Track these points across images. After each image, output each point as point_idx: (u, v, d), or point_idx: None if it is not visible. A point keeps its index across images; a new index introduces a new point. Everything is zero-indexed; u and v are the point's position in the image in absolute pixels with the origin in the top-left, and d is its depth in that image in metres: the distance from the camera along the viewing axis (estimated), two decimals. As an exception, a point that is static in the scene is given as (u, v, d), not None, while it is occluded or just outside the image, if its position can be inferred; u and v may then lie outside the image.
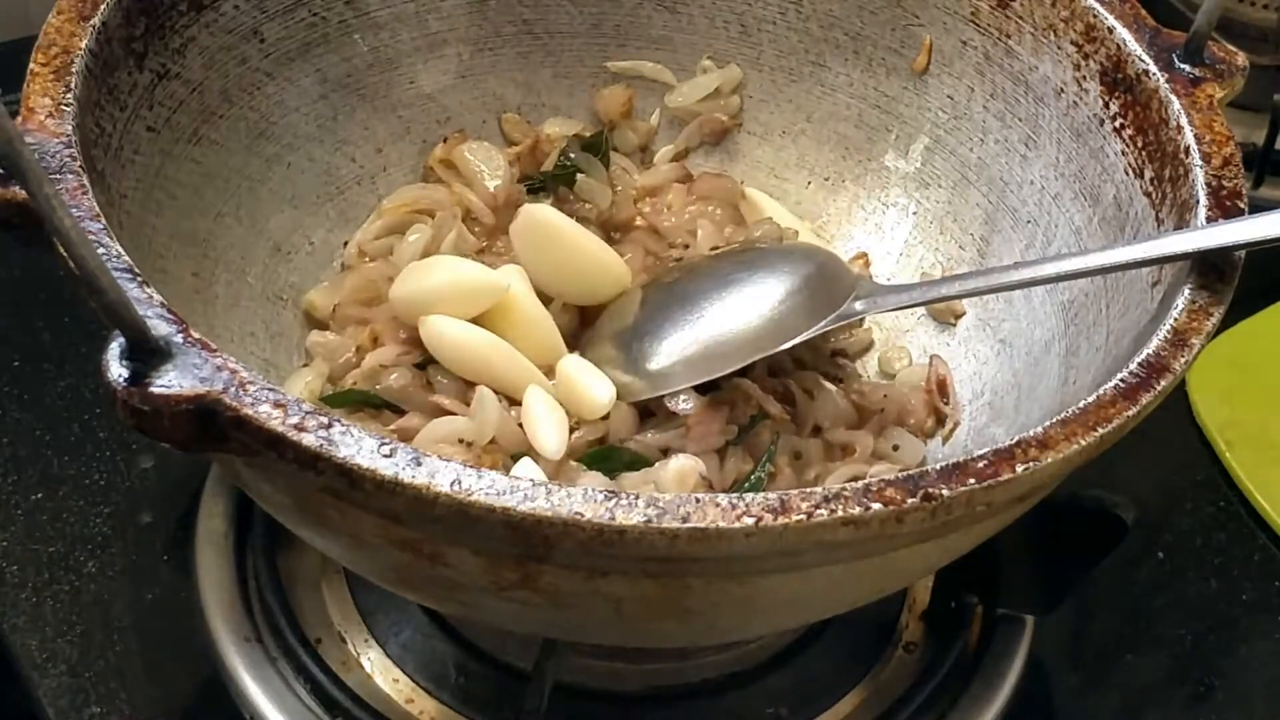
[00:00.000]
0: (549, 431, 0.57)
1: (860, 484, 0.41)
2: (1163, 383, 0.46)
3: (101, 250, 0.45)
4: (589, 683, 0.62)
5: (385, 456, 0.40)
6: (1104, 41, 0.60)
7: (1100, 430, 0.44)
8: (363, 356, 0.62)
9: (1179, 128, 0.56)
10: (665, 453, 0.58)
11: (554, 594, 0.45)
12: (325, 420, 0.41)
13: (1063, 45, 0.61)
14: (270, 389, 0.41)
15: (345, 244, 0.66)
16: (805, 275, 0.60)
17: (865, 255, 0.69)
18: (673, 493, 0.45)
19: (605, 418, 0.58)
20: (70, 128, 0.49)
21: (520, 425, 0.58)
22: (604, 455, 0.58)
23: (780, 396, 0.62)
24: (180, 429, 0.41)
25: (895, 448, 0.62)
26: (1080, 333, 0.58)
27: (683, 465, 0.56)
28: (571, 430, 0.58)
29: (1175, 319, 0.49)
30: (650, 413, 0.60)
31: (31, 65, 0.51)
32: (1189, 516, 0.73)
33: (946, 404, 0.63)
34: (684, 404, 0.58)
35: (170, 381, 0.41)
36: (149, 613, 0.64)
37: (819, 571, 0.45)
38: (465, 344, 0.59)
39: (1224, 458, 0.75)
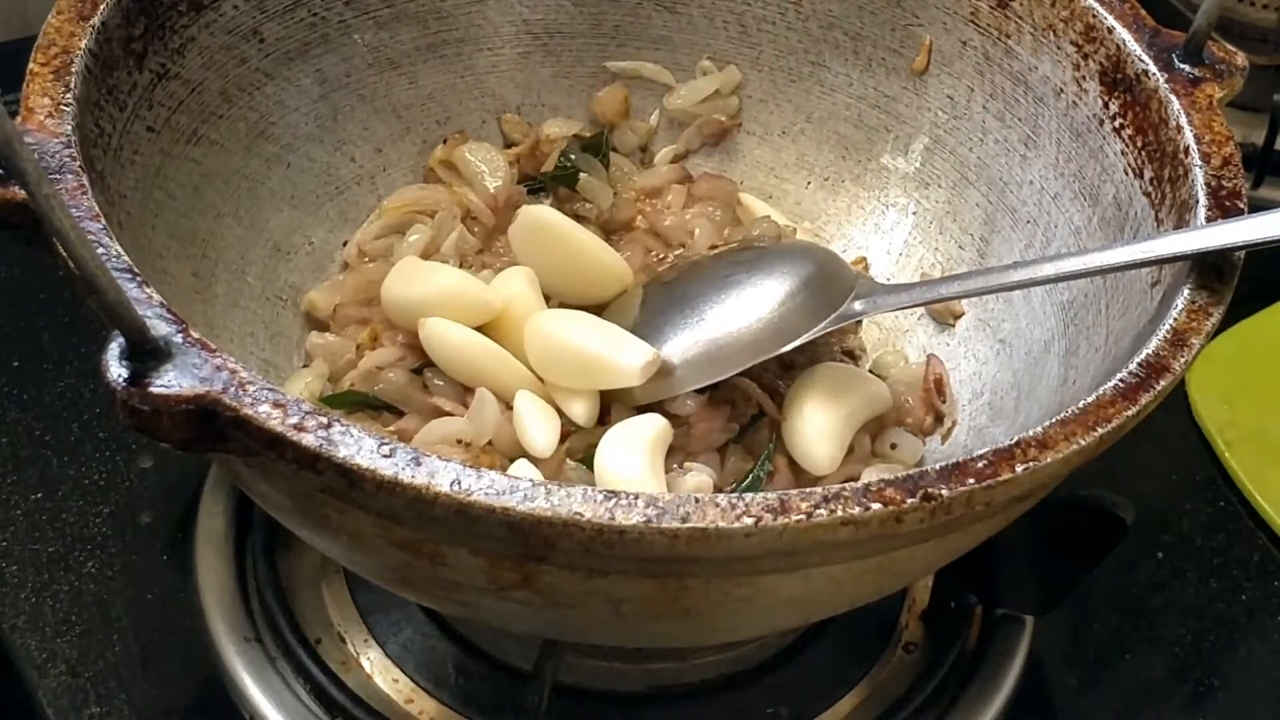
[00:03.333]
0: (538, 430, 0.57)
1: (860, 484, 0.41)
2: (1163, 383, 0.46)
3: (101, 250, 0.45)
4: (589, 683, 0.62)
5: (385, 456, 0.40)
6: (1103, 41, 0.60)
7: (1100, 430, 0.44)
8: (363, 356, 0.62)
9: (1179, 128, 0.56)
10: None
11: (554, 594, 0.45)
12: (325, 420, 0.41)
13: (1062, 45, 0.61)
14: (270, 389, 0.41)
15: (345, 244, 0.66)
16: (805, 276, 0.60)
17: (864, 260, 0.69)
18: None
19: (603, 422, 0.58)
20: (70, 128, 0.49)
21: None
22: None
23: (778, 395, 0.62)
24: (180, 429, 0.41)
25: (893, 446, 0.62)
26: (1080, 333, 0.58)
27: (700, 481, 0.57)
28: (571, 433, 0.58)
29: (1175, 319, 0.49)
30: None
31: (31, 65, 0.51)
32: (1189, 516, 0.73)
33: (944, 402, 0.63)
34: (684, 404, 0.58)
35: (170, 381, 0.41)
36: (149, 613, 0.64)
37: (819, 571, 0.45)
38: (463, 349, 0.59)
39: (1224, 458, 0.75)
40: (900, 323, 0.68)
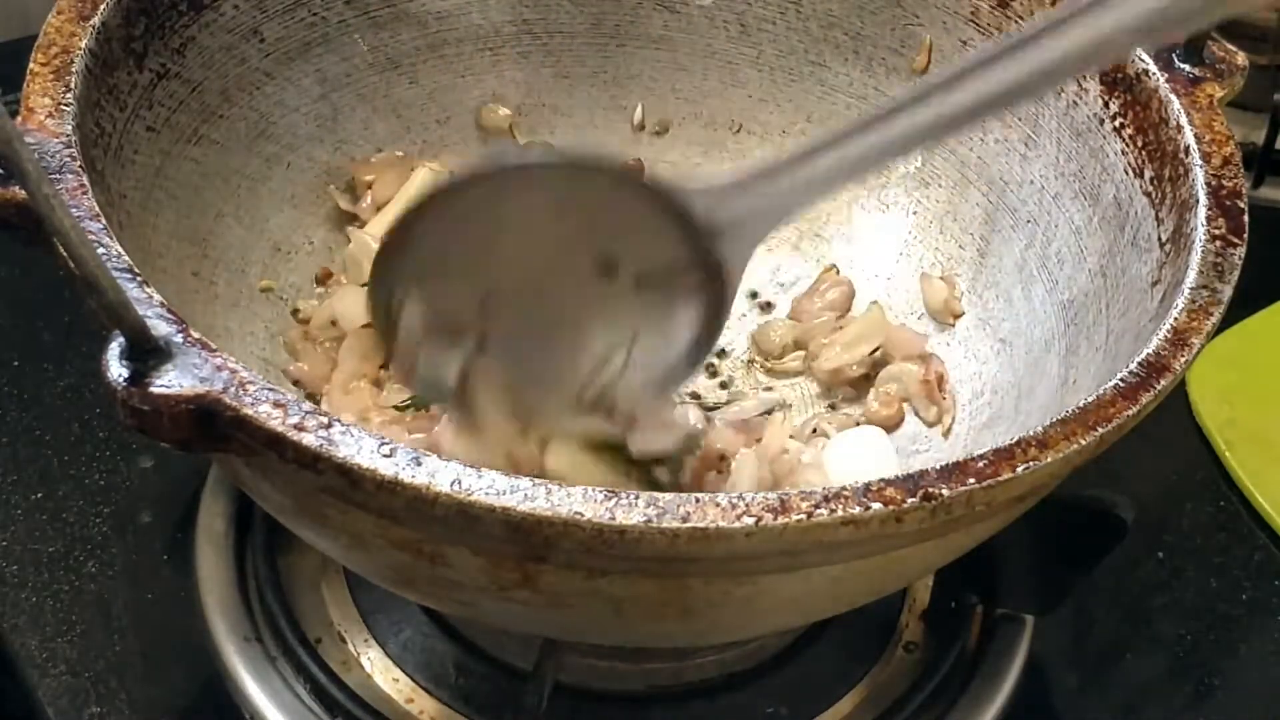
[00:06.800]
0: None
1: (860, 484, 0.41)
2: (1163, 383, 0.46)
3: (101, 250, 0.45)
4: (589, 683, 0.62)
5: (385, 456, 0.40)
6: (1104, 41, 0.60)
7: (1100, 430, 0.44)
8: None
9: (1179, 127, 0.56)
10: None
11: (554, 594, 0.45)
12: (325, 420, 0.41)
13: (1063, 45, 0.61)
14: (270, 389, 0.41)
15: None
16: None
17: (834, 267, 0.69)
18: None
19: None
20: (70, 128, 0.49)
21: None
22: None
23: None
24: (180, 429, 0.41)
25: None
26: (1080, 332, 0.58)
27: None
28: None
29: (1175, 319, 0.49)
30: None
31: (31, 65, 0.51)
32: (1189, 516, 0.73)
33: (944, 398, 0.63)
34: None
35: (170, 381, 0.41)
36: (149, 613, 0.64)
37: (819, 571, 0.45)
38: None
39: (1224, 458, 0.75)
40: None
